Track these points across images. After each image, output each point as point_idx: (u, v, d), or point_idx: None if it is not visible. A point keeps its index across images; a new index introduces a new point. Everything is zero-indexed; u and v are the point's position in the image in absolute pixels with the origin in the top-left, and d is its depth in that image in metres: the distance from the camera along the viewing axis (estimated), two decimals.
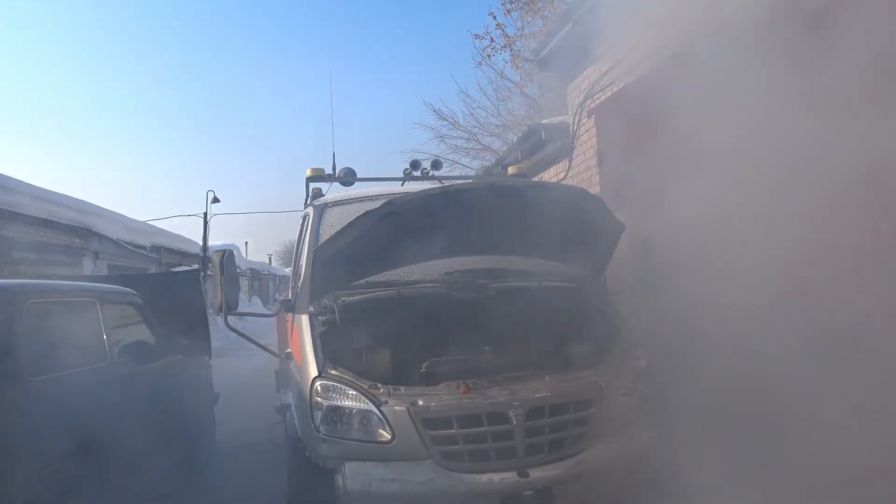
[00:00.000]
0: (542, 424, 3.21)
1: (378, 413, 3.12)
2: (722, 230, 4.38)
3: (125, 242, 14.16)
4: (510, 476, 3.09)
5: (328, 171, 5.70)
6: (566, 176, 8.14)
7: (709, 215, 4.60)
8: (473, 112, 19.42)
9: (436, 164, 5.66)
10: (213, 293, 4.44)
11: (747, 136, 4.17)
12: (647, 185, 5.81)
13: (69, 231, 11.74)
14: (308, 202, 5.24)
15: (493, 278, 3.93)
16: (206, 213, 21.31)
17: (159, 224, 19.24)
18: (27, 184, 10.85)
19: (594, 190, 7.38)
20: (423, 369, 3.35)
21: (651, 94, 5.85)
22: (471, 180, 5.35)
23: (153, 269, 14.35)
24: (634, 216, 6.22)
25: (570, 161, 8.11)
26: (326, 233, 4.15)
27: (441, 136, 19.17)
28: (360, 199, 4.57)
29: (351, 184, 5.62)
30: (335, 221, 4.24)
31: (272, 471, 4.93)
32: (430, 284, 3.86)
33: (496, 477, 3.08)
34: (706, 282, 4.52)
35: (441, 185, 5.05)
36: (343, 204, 4.65)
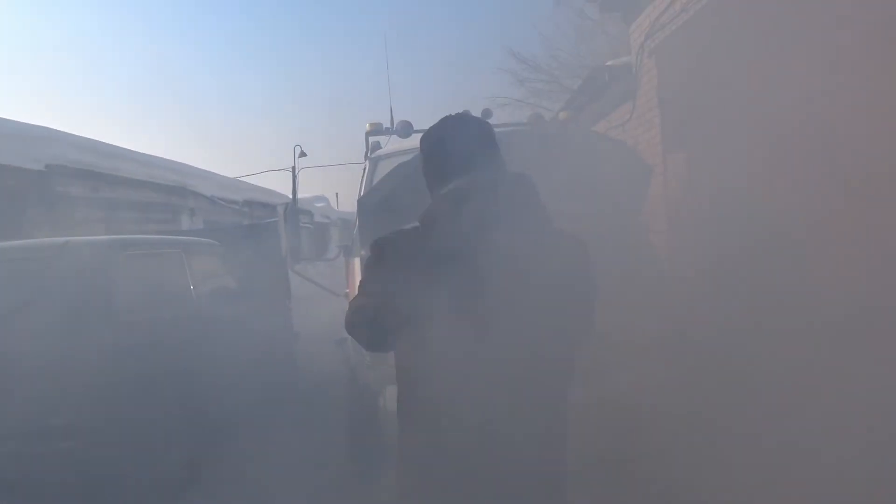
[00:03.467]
0: None
1: None
2: (785, 177, 4.34)
3: (218, 199, 15.13)
4: None
5: (386, 124, 6.05)
6: (630, 118, 8.14)
7: (772, 160, 4.58)
8: (554, 54, 19.21)
9: (486, 114, 5.88)
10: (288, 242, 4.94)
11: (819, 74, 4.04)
12: (707, 124, 5.82)
13: (167, 191, 12.71)
14: (366, 155, 5.62)
15: None
16: (294, 168, 22.23)
17: (251, 180, 20.28)
18: (126, 149, 11.85)
19: (655, 131, 7.39)
20: None
21: (710, 31, 5.81)
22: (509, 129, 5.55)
23: (246, 223, 15.26)
24: (695, 158, 6.25)
25: (634, 103, 8.10)
26: None
27: (521, 80, 19.13)
28: (407, 152, 4.90)
29: (408, 136, 5.93)
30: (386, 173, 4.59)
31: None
32: None
33: None
34: (759, 225, 4.55)
35: None
36: (394, 156, 4.99)
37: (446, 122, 1.92)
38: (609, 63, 9.01)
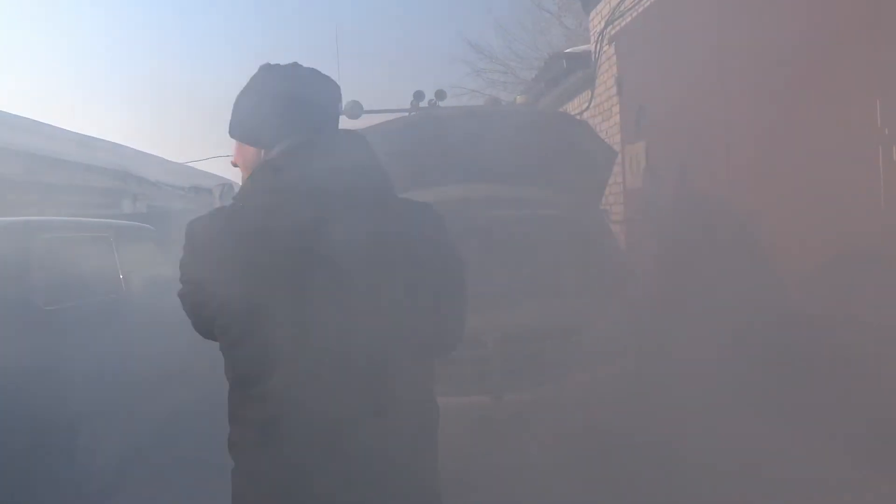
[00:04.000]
0: (519, 350, 3.29)
1: None
2: (741, 162, 4.24)
3: (163, 183, 14.53)
4: (484, 399, 3.19)
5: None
6: (588, 106, 8.00)
7: (725, 145, 4.48)
8: (511, 46, 19.15)
9: (440, 95, 5.63)
10: None
11: (771, 63, 3.96)
12: (666, 113, 5.70)
13: (108, 174, 12.11)
14: None
15: (487, 207, 3.95)
16: None
17: (199, 165, 19.65)
18: (67, 130, 11.26)
19: (613, 120, 7.26)
20: None
21: (670, 17, 5.68)
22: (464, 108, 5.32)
23: (190, 208, 14.69)
24: (653, 145, 6.13)
25: (593, 91, 7.96)
26: None
27: (477, 71, 19.00)
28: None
29: (357, 117, 5.65)
30: None
31: None
32: None
33: (471, 400, 3.17)
34: (716, 215, 4.45)
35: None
36: None
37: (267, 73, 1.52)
38: (568, 50, 8.85)
